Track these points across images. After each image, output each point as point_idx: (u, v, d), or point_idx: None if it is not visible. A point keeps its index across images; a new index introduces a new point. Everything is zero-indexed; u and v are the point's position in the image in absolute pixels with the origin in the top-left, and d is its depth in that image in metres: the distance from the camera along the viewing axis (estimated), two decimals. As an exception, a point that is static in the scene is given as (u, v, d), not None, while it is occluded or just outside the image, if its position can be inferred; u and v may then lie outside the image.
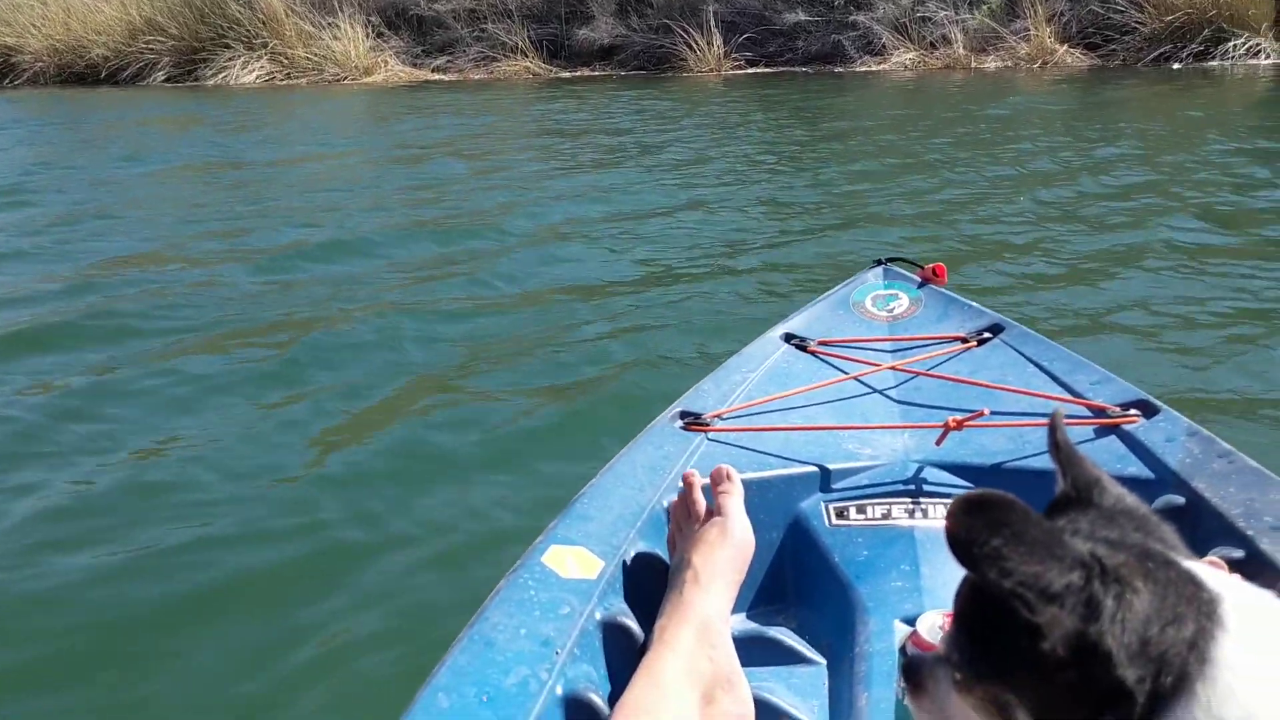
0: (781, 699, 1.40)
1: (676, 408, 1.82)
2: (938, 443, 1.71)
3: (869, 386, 1.93)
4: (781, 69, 14.85)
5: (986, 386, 1.82)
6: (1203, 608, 0.65)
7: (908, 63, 13.87)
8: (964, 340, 2.02)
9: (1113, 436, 1.67)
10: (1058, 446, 0.79)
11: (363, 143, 10.39)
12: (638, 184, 7.09)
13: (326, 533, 2.64)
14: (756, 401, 1.84)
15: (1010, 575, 0.64)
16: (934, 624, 1.14)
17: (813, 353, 2.03)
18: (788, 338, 2.06)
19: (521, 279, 4.89)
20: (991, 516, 0.66)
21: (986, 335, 2.02)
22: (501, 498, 2.77)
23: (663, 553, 1.49)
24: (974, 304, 2.14)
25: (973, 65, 13.35)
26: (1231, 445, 1.58)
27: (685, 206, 6.26)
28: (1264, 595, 0.69)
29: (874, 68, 14.03)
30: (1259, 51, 11.35)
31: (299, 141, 10.58)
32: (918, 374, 1.94)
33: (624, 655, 1.31)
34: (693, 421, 1.77)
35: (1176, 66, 11.46)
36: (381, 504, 2.78)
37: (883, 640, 1.39)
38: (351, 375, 3.71)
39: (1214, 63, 11.42)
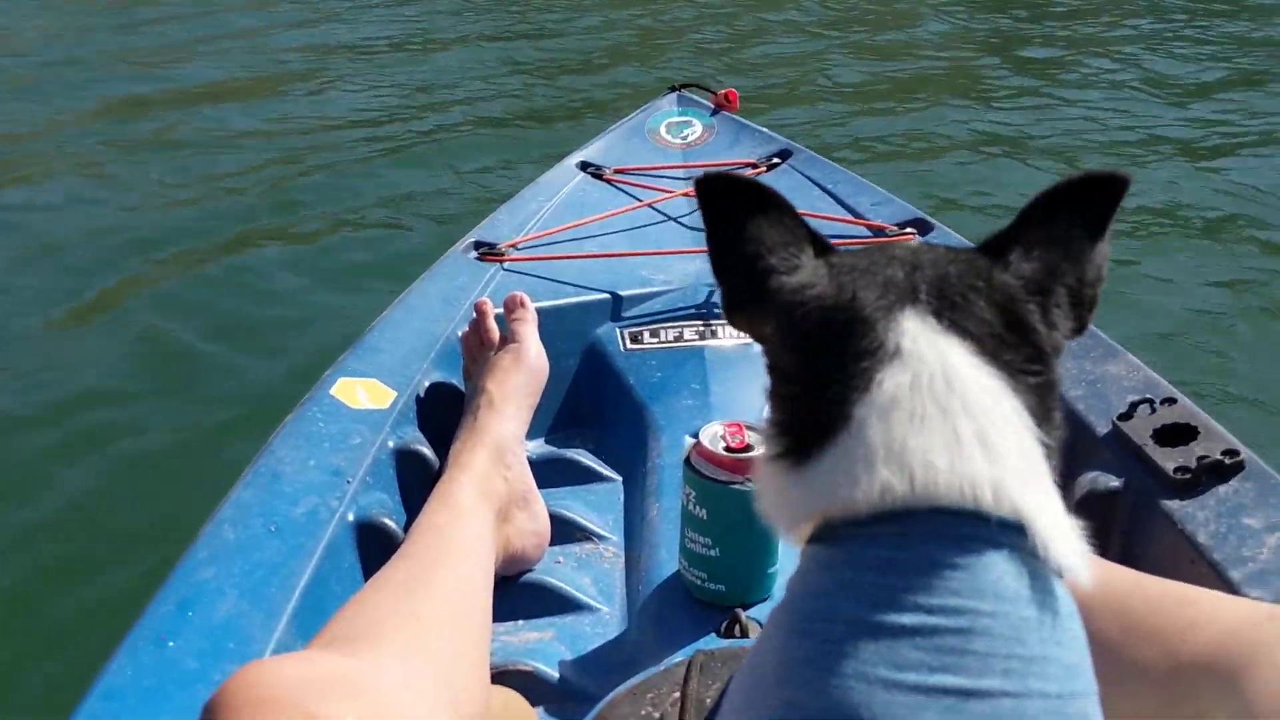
0: (578, 514, 1.44)
1: (470, 238, 1.79)
2: (728, 265, 1.75)
3: (663, 213, 1.95)
4: None
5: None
6: (885, 345, 0.62)
7: None
8: (754, 166, 2.05)
9: None
10: None
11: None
12: (423, 9, 6.72)
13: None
14: (552, 230, 1.83)
15: (741, 217, 0.69)
16: (715, 434, 1.19)
17: (608, 181, 2.02)
18: (583, 166, 2.05)
19: (297, 116, 4.64)
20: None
21: (776, 161, 2.06)
22: (288, 338, 2.68)
23: (458, 382, 1.49)
24: (764, 130, 2.17)
25: None
26: None
27: (477, 37, 6.02)
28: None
29: None
30: None
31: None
32: None
33: (419, 482, 1.32)
34: (487, 251, 1.75)
35: None
36: (161, 354, 2.66)
37: (673, 455, 1.45)
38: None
39: None
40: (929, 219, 1.80)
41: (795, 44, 5.44)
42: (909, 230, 1.78)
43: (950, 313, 0.62)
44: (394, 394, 1.39)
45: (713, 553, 1.19)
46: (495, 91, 4.87)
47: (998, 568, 0.58)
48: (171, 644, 0.97)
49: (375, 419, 1.34)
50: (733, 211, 0.70)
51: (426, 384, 1.46)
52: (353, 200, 3.58)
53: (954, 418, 0.60)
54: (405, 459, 1.34)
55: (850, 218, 1.87)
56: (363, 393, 1.37)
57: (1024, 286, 0.64)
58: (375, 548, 1.18)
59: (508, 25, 6.29)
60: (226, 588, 1.05)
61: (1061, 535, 0.60)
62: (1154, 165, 3.72)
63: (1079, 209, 0.66)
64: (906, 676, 0.55)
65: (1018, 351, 0.62)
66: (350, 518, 1.19)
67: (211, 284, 3.12)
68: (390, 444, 1.32)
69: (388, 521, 1.22)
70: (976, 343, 0.62)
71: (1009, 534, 0.58)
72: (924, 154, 3.81)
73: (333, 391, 1.36)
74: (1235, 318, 2.88)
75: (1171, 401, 1.22)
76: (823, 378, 0.64)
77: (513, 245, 1.77)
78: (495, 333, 1.43)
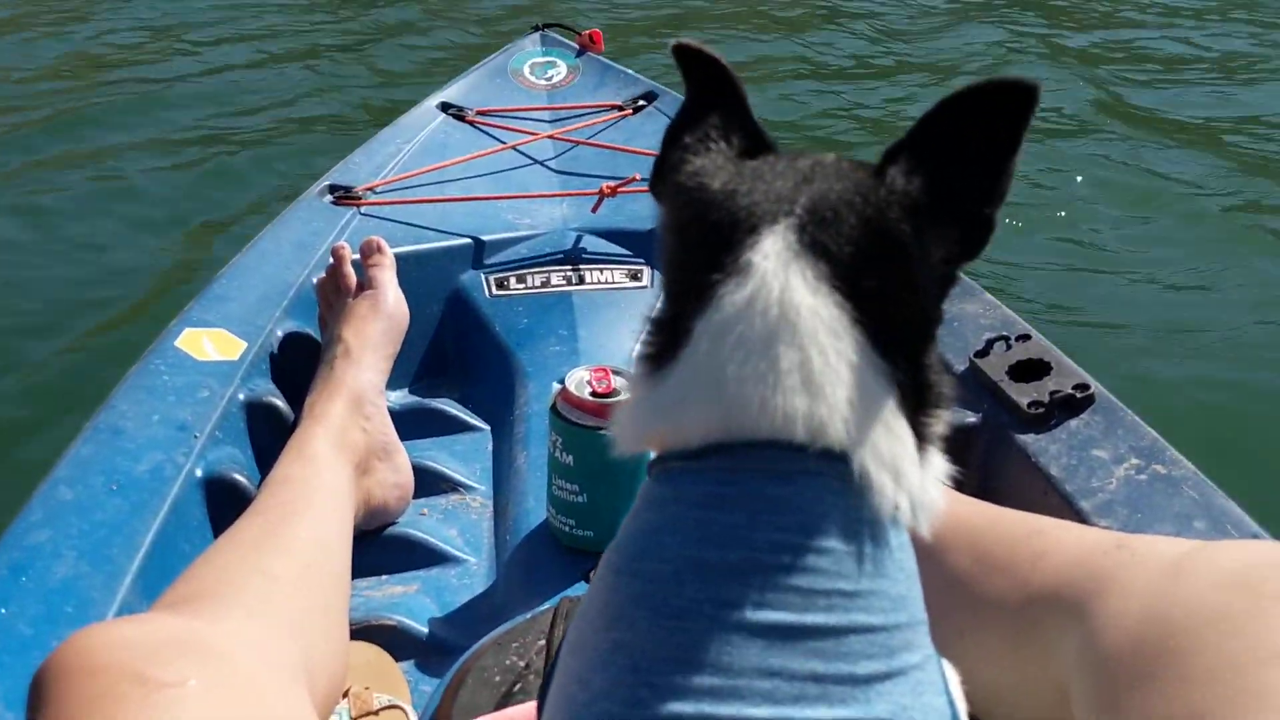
0: (444, 465, 1.41)
1: (325, 181, 1.72)
2: (594, 209, 1.72)
3: (528, 156, 1.90)
4: None
5: (641, 154, 1.84)
6: (738, 258, 0.59)
7: None
8: (620, 108, 2.01)
9: None
10: None
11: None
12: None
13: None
14: (412, 173, 1.77)
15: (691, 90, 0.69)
16: (581, 379, 1.17)
17: (471, 122, 1.97)
18: (444, 107, 1.98)
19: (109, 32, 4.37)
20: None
21: (641, 103, 2.03)
22: (129, 286, 2.54)
23: (314, 332, 1.44)
24: (630, 71, 2.13)
25: None
26: None
27: None
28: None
29: None
30: None
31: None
32: (576, 142, 1.92)
33: (273, 435, 1.27)
34: (343, 195, 1.69)
35: None
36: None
37: (540, 402, 1.42)
38: None
39: None
40: (794, 160, 1.80)
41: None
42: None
43: (816, 229, 0.58)
44: (244, 344, 1.33)
45: (580, 499, 1.17)
46: (346, 27, 4.67)
47: (824, 502, 0.57)
48: (3, 610, 0.91)
49: (224, 371, 1.28)
50: (690, 82, 0.68)
51: (280, 334, 1.40)
52: (189, 142, 3.39)
53: (777, 345, 0.56)
54: (257, 412, 1.28)
55: (717, 161, 1.85)
56: (210, 344, 1.31)
57: (900, 203, 0.59)
58: (226, 505, 1.13)
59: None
60: (64, 550, 0.99)
61: (901, 472, 0.58)
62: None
63: (983, 120, 0.59)
64: (731, 615, 0.54)
65: (883, 277, 0.58)
66: (198, 474, 1.14)
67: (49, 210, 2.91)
68: (241, 396, 1.26)
69: (239, 477, 1.17)
70: (833, 265, 0.58)
71: (836, 467, 0.57)
72: (789, 80, 3.81)
73: (177, 343, 1.29)
74: (1089, 253, 2.98)
75: (1026, 338, 1.25)
76: (686, 282, 0.61)
77: (370, 189, 1.71)
78: (352, 279, 1.37)
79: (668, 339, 0.61)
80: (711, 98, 0.68)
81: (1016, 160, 0.60)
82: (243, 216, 2.65)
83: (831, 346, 0.57)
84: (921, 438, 0.60)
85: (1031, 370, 1.20)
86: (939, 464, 0.62)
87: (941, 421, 0.62)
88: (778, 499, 0.56)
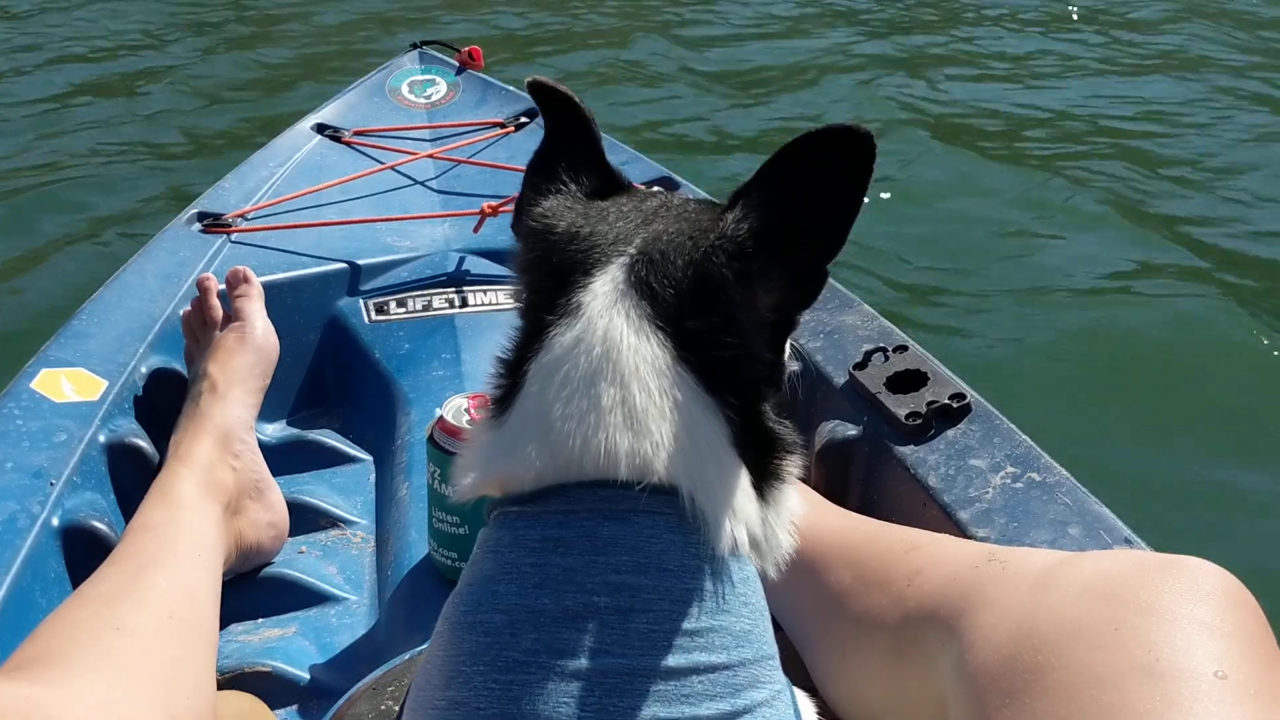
0: (324, 499, 1.37)
1: (194, 209, 1.66)
2: (476, 229, 1.69)
3: (408, 176, 1.87)
4: None
5: (523, 171, 1.81)
6: (570, 299, 0.61)
7: None
8: (502, 125, 1.99)
9: None
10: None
11: None
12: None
13: None
14: (286, 197, 1.72)
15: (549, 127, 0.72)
16: (459, 407, 1.14)
17: (348, 143, 1.92)
18: (320, 129, 1.94)
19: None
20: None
21: (524, 119, 2.01)
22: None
23: (181, 367, 1.38)
24: (511, 88, 2.11)
25: None
26: None
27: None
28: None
29: None
30: None
31: None
32: (457, 161, 1.89)
33: (137, 478, 1.21)
34: (212, 223, 1.63)
35: None
36: None
37: (424, 430, 1.38)
38: None
39: None
40: (675, 177, 1.80)
41: (540, 6, 5.35)
42: (656, 189, 1.77)
43: (645, 270, 0.59)
44: (105, 384, 1.27)
45: (461, 530, 1.15)
46: (212, 48, 4.53)
47: (660, 540, 0.56)
48: None
49: (84, 412, 1.22)
50: (546, 119, 0.70)
51: (144, 370, 1.34)
52: (52, 169, 3.24)
53: (600, 383, 0.57)
54: (120, 454, 1.22)
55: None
56: (68, 384, 1.25)
57: (726, 248, 0.59)
58: (86, 555, 1.08)
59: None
60: None
61: (737, 507, 0.58)
62: (894, 138, 3.88)
63: (821, 170, 0.59)
64: (568, 664, 0.53)
65: (704, 318, 0.59)
66: (55, 523, 1.08)
67: None
68: (102, 439, 1.21)
69: (100, 525, 1.11)
70: (657, 305, 0.58)
71: (669, 503, 0.56)
72: (670, 104, 3.83)
73: (33, 385, 1.23)
74: (964, 261, 3.04)
75: (904, 349, 1.26)
76: (530, 324, 0.62)
77: (241, 215, 1.65)
78: (218, 311, 1.32)
79: (509, 382, 0.61)
80: (566, 135, 0.70)
81: (854, 215, 0.60)
82: (106, 248, 2.54)
83: (654, 384, 0.57)
84: (766, 475, 0.60)
85: (909, 381, 1.21)
86: (789, 501, 0.61)
87: (789, 460, 0.62)
88: (613, 539, 0.55)
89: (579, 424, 0.57)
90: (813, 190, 0.59)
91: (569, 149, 0.69)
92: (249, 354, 1.27)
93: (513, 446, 0.59)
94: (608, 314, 0.58)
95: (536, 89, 0.71)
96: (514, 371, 0.61)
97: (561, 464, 0.57)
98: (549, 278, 0.62)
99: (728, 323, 0.59)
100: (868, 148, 0.57)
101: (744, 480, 0.59)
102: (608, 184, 0.69)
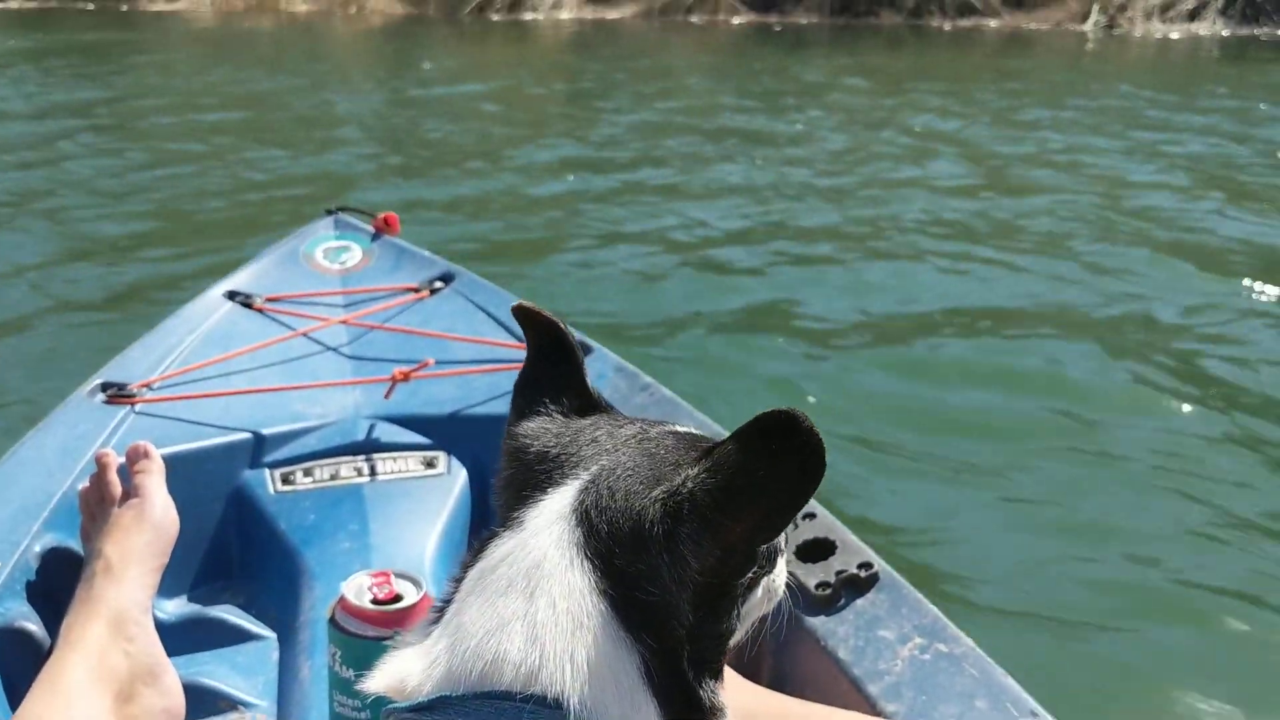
0: (223, 681, 1.32)
1: (98, 378, 1.63)
2: (386, 396, 1.69)
3: (320, 343, 1.86)
4: (52, 3, 13.34)
5: (437, 336, 1.83)
6: (519, 515, 0.65)
7: (207, 2, 12.95)
8: (416, 290, 2.01)
9: None
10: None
11: None
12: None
13: None
14: (194, 366, 1.70)
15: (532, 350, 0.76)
16: (361, 586, 1.12)
17: (259, 310, 1.92)
18: (231, 295, 1.93)
19: None
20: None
21: (439, 284, 2.03)
22: None
23: (77, 546, 1.34)
24: (426, 253, 2.14)
25: (283, 7, 12.86)
26: (653, 377, 1.71)
27: (95, 150, 5.59)
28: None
29: (168, 6, 13.02)
30: (562, 5, 12.10)
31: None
32: (370, 327, 1.90)
33: (25, 665, 1.16)
34: (116, 393, 1.60)
35: (495, 18, 11.87)
36: None
37: (329, 605, 1.35)
38: None
39: (527, 14, 12.01)
40: (588, 341, 1.82)
41: (456, 170, 5.47)
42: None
43: (591, 499, 0.62)
44: None
45: (363, 715, 1.11)
46: (128, 210, 4.52)
47: None
48: None
49: None
50: (530, 341, 0.75)
51: (38, 549, 1.30)
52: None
53: (513, 594, 0.60)
54: (8, 639, 1.17)
55: (513, 341, 1.86)
56: None
57: (665, 505, 0.59)
58: None
59: (147, 142, 5.97)
60: None
61: None
62: (811, 269, 4.00)
63: (765, 457, 0.58)
64: None
65: (631, 563, 0.59)
66: None
67: None
68: None
69: None
70: (590, 535, 0.61)
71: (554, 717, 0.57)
72: (588, 271, 3.91)
73: None
74: (871, 427, 3.08)
75: (812, 516, 1.27)
76: (490, 534, 0.66)
77: (147, 385, 1.63)
78: (117, 487, 1.29)
79: (454, 586, 0.64)
80: (550, 358, 0.75)
81: (793, 507, 0.60)
82: (4, 422, 2.47)
83: (564, 605, 0.59)
84: (681, 708, 0.60)
85: (818, 549, 1.22)
86: None
87: (705, 710, 0.61)
88: None
89: (485, 633, 0.59)
90: (764, 471, 0.59)
91: (552, 371, 0.74)
92: (146, 532, 1.24)
93: (428, 647, 0.61)
94: (543, 533, 0.61)
95: (523, 314, 0.75)
96: (461, 578, 0.64)
97: (459, 669, 0.58)
98: (514, 496, 0.66)
99: (652, 573, 0.60)
100: (812, 443, 0.57)
101: (649, 712, 0.59)
102: (588, 405, 0.73)
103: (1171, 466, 2.78)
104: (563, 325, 0.75)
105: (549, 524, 0.62)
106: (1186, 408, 3.05)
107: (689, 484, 0.59)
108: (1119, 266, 4.09)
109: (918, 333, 3.66)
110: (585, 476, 0.64)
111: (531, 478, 0.66)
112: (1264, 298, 3.79)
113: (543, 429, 0.70)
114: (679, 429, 0.69)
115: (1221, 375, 3.23)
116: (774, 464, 0.58)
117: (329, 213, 2.23)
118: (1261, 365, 3.29)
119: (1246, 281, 3.90)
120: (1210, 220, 4.65)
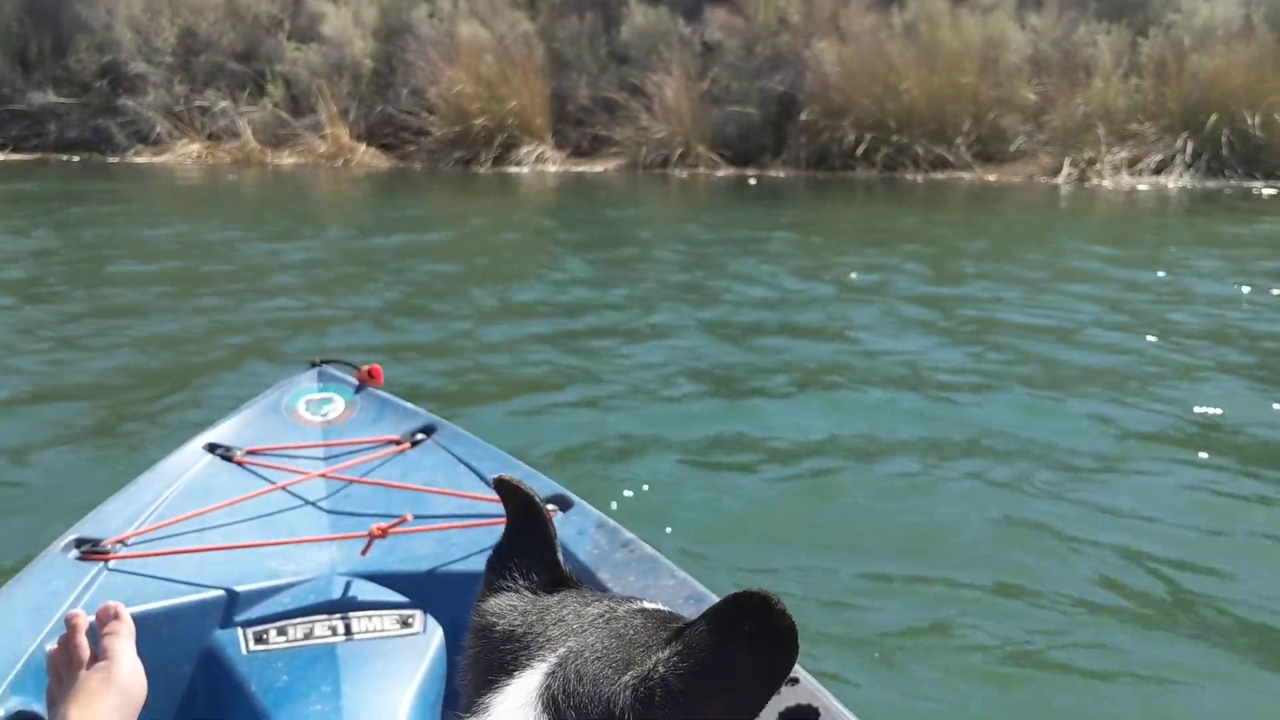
0: None
1: (71, 535, 1.61)
2: (363, 552, 1.67)
3: (299, 497, 1.85)
4: (37, 155, 13.11)
5: (416, 490, 1.82)
6: (485, 699, 0.65)
7: (194, 154, 12.83)
8: (398, 443, 2.01)
9: None
10: None
11: None
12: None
13: None
14: (170, 521, 1.69)
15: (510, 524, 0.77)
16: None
17: (239, 463, 1.91)
18: (211, 448, 1.93)
19: None
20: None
21: (420, 437, 2.03)
22: None
23: (42, 709, 1.30)
24: (409, 405, 2.15)
25: (269, 160, 12.71)
26: (634, 534, 1.70)
27: (86, 313, 5.62)
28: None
29: (154, 159, 12.86)
30: (547, 158, 12.42)
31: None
32: (349, 480, 1.89)
33: None
34: (90, 550, 1.58)
35: (481, 170, 12.16)
36: None
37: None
38: None
39: (512, 168, 12.31)
40: (570, 495, 1.82)
41: (440, 322, 5.53)
42: (551, 507, 1.78)
43: (557, 683, 0.61)
44: None
45: None
46: (105, 366, 4.50)
47: None
48: None
49: None
50: (508, 514, 0.75)
51: (2, 714, 1.26)
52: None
53: None
54: None
55: (493, 495, 1.85)
56: None
57: (637, 691, 0.59)
58: None
59: (120, 287, 6.00)
60: None
61: None
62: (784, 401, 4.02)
63: (739, 640, 0.57)
64: None
65: None
66: None
67: None
68: None
69: None
70: None
71: None
72: (569, 424, 3.92)
73: None
74: (844, 571, 3.02)
75: (794, 681, 1.25)
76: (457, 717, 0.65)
77: (121, 541, 1.61)
78: (85, 649, 1.26)
79: None
80: (524, 532, 0.75)
81: (768, 691, 0.59)
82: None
83: None
84: None
85: (801, 717, 1.20)
86: None
87: None
88: None
89: None
90: (737, 654, 0.58)
91: (525, 546, 0.74)
92: (113, 696, 1.21)
93: None
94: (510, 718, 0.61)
95: (503, 487, 0.76)
96: None
97: None
98: (479, 677, 0.66)
99: None
100: (783, 627, 0.57)
101: None
102: (558, 581, 0.73)
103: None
104: (537, 499, 0.76)
105: (514, 711, 0.61)
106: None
107: (660, 668, 0.59)
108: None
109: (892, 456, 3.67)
110: (552, 659, 0.63)
111: (498, 658, 0.66)
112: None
113: (509, 607, 0.70)
114: (648, 606, 0.69)
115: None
116: (746, 647, 0.57)
117: (313, 365, 2.25)
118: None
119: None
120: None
